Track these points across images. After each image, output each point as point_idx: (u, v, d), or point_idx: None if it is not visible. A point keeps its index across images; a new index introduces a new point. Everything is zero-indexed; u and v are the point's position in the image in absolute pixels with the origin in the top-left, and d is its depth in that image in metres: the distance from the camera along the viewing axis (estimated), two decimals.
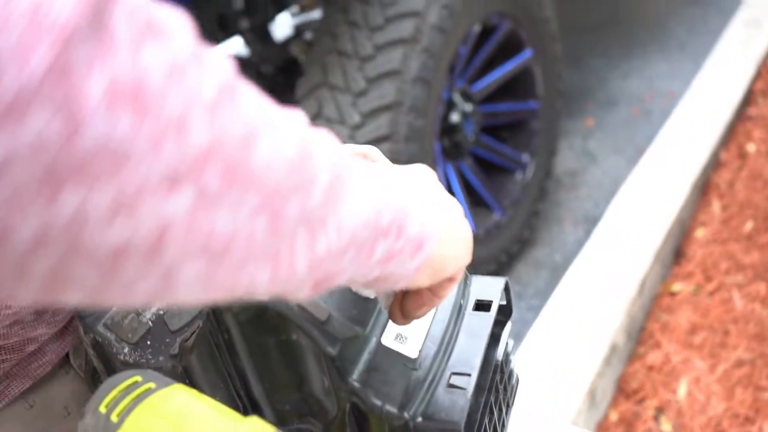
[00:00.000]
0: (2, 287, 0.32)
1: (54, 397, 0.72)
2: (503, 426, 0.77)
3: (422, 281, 0.53)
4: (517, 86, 2.28)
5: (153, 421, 0.50)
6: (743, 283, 2.02)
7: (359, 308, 0.63)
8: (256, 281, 0.39)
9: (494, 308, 0.68)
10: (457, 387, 0.62)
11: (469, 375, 0.62)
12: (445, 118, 2.06)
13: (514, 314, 2.11)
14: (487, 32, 2.12)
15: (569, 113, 2.97)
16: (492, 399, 0.72)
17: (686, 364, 1.83)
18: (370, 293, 0.64)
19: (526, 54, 2.22)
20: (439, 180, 0.57)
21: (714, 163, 2.42)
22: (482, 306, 0.68)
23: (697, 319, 1.95)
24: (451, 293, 0.61)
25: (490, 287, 0.70)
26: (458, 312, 0.68)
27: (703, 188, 2.36)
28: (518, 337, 1.85)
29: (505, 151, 2.31)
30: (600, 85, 3.16)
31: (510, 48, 2.20)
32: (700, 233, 2.23)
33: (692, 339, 1.93)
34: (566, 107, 2.93)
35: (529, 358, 1.67)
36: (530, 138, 2.35)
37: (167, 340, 0.65)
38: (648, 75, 3.16)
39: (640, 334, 1.97)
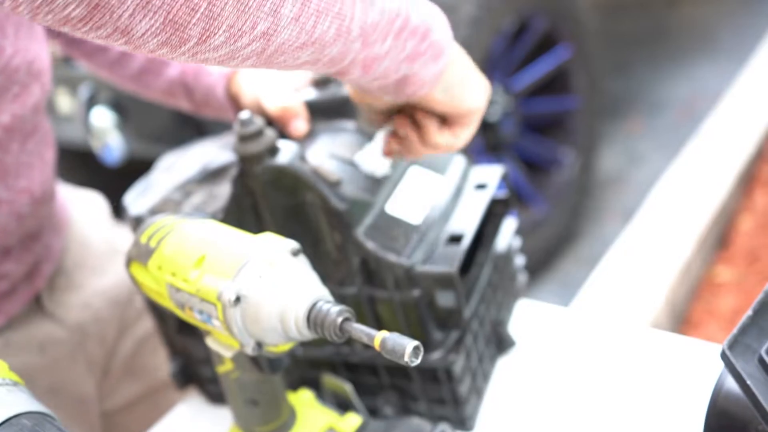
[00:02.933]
0: (177, 26, 0.44)
1: (30, 335, 0.82)
2: (508, 313, 0.85)
3: (440, 96, 0.62)
4: (557, 83, 2.36)
5: (183, 242, 0.60)
6: None
7: (367, 181, 0.72)
8: (327, 35, 0.51)
9: (491, 187, 0.76)
10: (454, 243, 0.70)
11: (463, 235, 0.71)
12: (485, 114, 2.15)
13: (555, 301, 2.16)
14: (523, 29, 2.22)
15: (615, 117, 3.02)
16: (494, 282, 0.80)
17: None
18: (379, 171, 0.74)
19: (565, 51, 2.30)
20: None
21: (758, 156, 2.45)
22: (480, 187, 0.77)
23: (742, 304, 1.97)
24: (468, 137, 0.68)
25: (488, 173, 0.79)
26: (459, 192, 0.77)
27: (748, 180, 2.39)
28: None
29: (546, 148, 2.38)
30: (646, 91, 3.21)
31: (548, 45, 2.28)
32: (744, 223, 2.25)
33: (735, 322, 1.94)
34: (612, 111, 2.99)
35: (561, 336, 1.74)
36: (572, 135, 2.41)
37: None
38: (695, 80, 3.20)
39: (683, 318, 2.00)
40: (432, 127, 0.66)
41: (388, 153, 0.71)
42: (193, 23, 0.45)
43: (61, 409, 0.82)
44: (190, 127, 1.86)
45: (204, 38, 0.46)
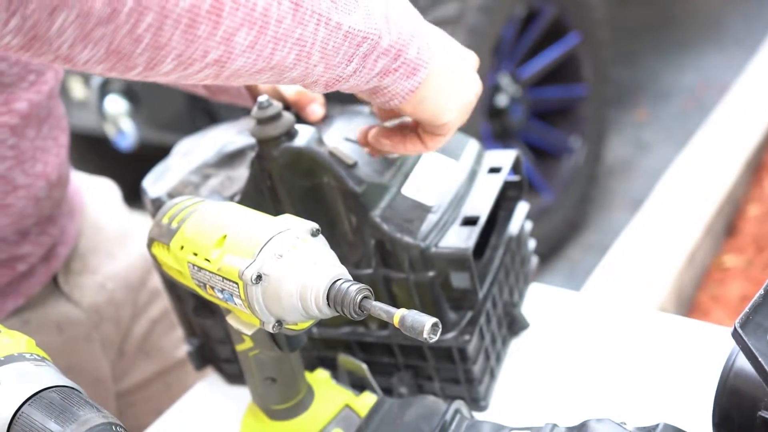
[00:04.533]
0: (121, 56, 0.44)
1: (47, 316, 0.84)
2: (520, 296, 0.86)
3: (412, 108, 0.61)
4: (565, 71, 2.36)
5: (204, 222, 0.61)
6: None
7: (383, 165, 0.73)
8: (286, 61, 0.50)
9: (504, 171, 0.77)
10: (468, 225, 0.71)
11: (478, 217, 0.71)
12: (492, 100, 2.16)
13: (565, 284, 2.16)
14: (532, 17, 2.22)
15: (623, 105, 3.02)
16: (506, 264, 0.81)
17: None
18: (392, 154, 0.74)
19: (573, 39, 2.30)
20: None
21: (765, 144, 2.45)
22: (494, 171, 0.78)
23: (749, 291, 1.98)
24: (438, 146, 0.67)
25: (502, 157, 0.79)
26: (473, 175, 0.78)
27: (756, 168, 2.39)
28: None
29: (554, 136, 2.38)
30: (653, 79, 3.21)
31: (556, 33, 2.28)
32: (752, 210, 2.26)
33: (742, 308, 1.95)
34: (619, 100, 2.99)
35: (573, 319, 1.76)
36: (579, 123, 2.42)
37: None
38: (702, 68, 3.19)
39: (690, 304, 2.00)
40: (399, 140, 0.66)
41: (362, 143, 0.71)
42: (138, 53, 0.45)
43: None
44: (201, 114, 1.88)
45: (151, 66, 0.46)
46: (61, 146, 0.82)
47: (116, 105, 1.90)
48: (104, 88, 1.88)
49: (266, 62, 0.50)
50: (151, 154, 1.56)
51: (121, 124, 1.90)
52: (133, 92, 1.91)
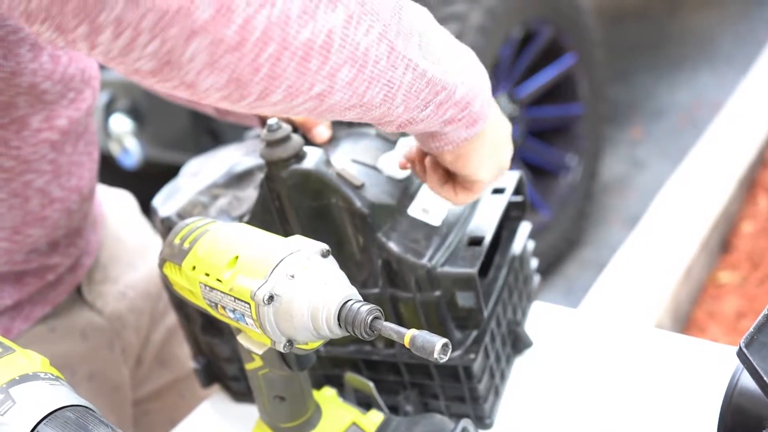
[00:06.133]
0: (240, 84, 0.47)
1: (73, 323, 0.85)
2: (523, 314, 0.86)
3: (454, 159, 0.64)
4: (561, 91, 2.37)
5: (216, 243, 0.62)
6: None
7: (390, 187, 0.74)
8: (375, 100, 0.53)
9: (508, 192, 0.78)
10: (473, 245, 0.71)
11: (484, 237, 0.72)
12: None
13: (561, 300, 2.17)
14: (529, 38, 2.23)
15: (617, 124, 3.04)
16: (510, 284, 0.81)
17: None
18: (399, 175, 0.75)
19: (570, 59, 2.32)
20: None
21: (760, 162, 2.46)
22: (498, 191, 0.78)
23: (744, 307, 1.98)
24: (467, 201, 0.69)
25: (505, 178, 0.80)
26: None
27: (750, 185, 2.40)
28: None
29: (551, 154, 2.40)
30: (647, 98, 3.23)
31: (553, 53, 2.30)
32: (747, 227, 2.26)
33: (739, 325, 1.96)
34: (614, 118, 3.00)
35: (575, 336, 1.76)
36: (576, 141, 2.43)
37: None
38: (695, 87, 3.22)
39: (686, 320, 2.01)
40: (435, 178, 0.68)
41: (402, 167, 0.73)
42: (256, 82, 0.47)
43: (98, 396, 0.85)
44: (205, 133, 1.88)
45: (263, 95, 0.48)
46: (94, 161, 0.84)
47: (121, 124, 1.90)
48: (109, 107, 1.89)
49: (359, 99, 0.52)
50: (155, 173, 1.57)
51: (126, 143, 1.90)
52: (137, 111, 1.92)
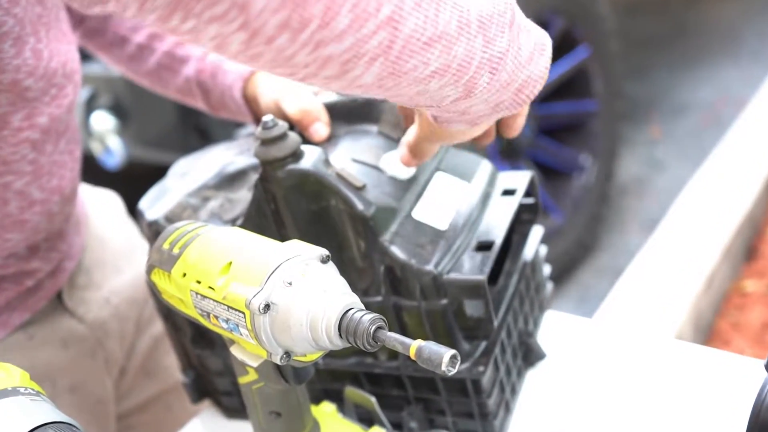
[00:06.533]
0: (295, 7, 0.45)
1: (52, 331, 0.86)
2: (536, 324, 0.86)
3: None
4: (574, 86, 2.37)
5: (209, 248, 0.62)
6: None
7: (393, 187, 0.74)
8: (450, 27, 0.52)
9: (519, 193, 0.78)
10: (482, 251, 0.72)
11: (493, 242, 0.72)
12: None
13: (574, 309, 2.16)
14: None
15: (634, 122, 3.04)
16: (521, 291, 0.81)
17: None
18: (403, 175, 0.75)
19: (583, 52, 2.32)
20: None
21: None
22: (508, 193, 0.78)
23: None
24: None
25: (516, 179, 0.80)
26: (486, 198, 0.78)
27: None
28: None
29: (563, 153, 2.40)
30: (666, 94, 3.23)
31: (566, 46, 2.30)
32: None
33: (765, 337, 1.96)
34: (631, 116, 3.01)
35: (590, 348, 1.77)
36: (590, 140, 2.43)
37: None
38: (718, 83, 3.22)
39: (709, 331, 2.01)
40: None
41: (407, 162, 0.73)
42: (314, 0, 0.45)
43: (81, 409, 0.85)
44: (192, 131, 1.89)
45: (327, 20, 0.47)
46: (76, 160, 0.85)
47: (103, 121, 1.90)
48: (90, 104, 1.89)
49: (434, 27, 0.50)
50: (139, 174, 1.57)
51: (108, 142, 1.90)
52: (120, 108, 1.92)
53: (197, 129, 1.87)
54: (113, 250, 0.95)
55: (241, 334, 0.58)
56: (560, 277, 2.36)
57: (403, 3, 0.49)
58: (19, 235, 0.77)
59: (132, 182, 1.07)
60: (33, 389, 0.56)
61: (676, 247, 2.11)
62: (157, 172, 0.97)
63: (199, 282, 0.60)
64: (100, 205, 0.99)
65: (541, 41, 0.60)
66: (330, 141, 0.80)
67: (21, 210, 0.76)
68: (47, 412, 0.54)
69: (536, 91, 0.60)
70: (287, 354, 0.57)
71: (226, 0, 0.45)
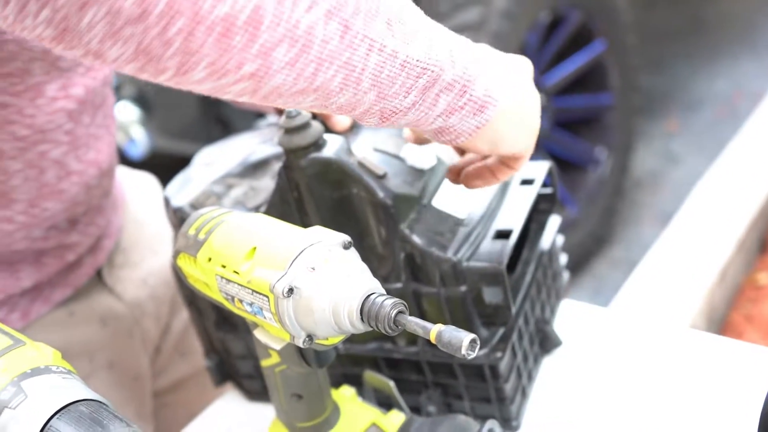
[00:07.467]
0: (150, 57, 0.47)
1: (92, 308, 0.87)
2: (552, 312, 0.87)
3: (481, 144, 0.62)
4: (591, 79, 2.37)
5: (233, 234, 0.63)
6: None
7: (413, 176, 0.74)
8: (332, 84, 0.51)
9: (537, 183, 0.78)
10: (501, 239, 0.72)
11: (511, 231, 0.73)
12: None
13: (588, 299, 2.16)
14: (557, 23, 2.23)
15: (651, 115, 3.03)
16: (538, 280, 0.82)
17: None
18: (424, 164, 0.76)
19: (600, 45, 2.31)
20: None
21: None
22: (527, 182, 0.79)
23: None
24: (509, 176, 0.69)
25: (534, 168, 0.81)
26: (504, 187, 0.79)
27: None
28: None
29: (579, 146, 2.39)
30: (683, 87, 3.21)
31: (582, 39, 2.30)
32: None
33: None
34: (647, 109, 2.99)
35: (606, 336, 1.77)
36: (606, 133, 2.42)
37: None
38: (735, 76, 3.20)
39: (722, 323, 2.00)
40: (473, 175, 0.69)
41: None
42: (168, 56, 0.46)
43: (118, 385, 0.87)
44: (214, 121, 1.90)
45: (183, 71, 0.48)
46: (112, 135, 0.86)
47: (127, 112, 1.92)
48: (115, 95, 1.91)
49: (308, 83, 0.50)
50: (162, 164, 1.58)
51: (132, 132, 1.92)
52: (144, 99, 1.94)
53: (219, 120, 1.89)
54: (150, 232, 0.97)
55: (264, 318, 0.59)
56: (575, 268, 2.36)
57: (270, 62, 0.48)
58: (58, 205, 0.79)
59: (155, 172, 1.08)
60: (65, 368, 0.57)
61: (690, 240, 2.10)
62: (180, 163, 0.98)
63: (224, 266, 0.61)
64: (137, 188, 1.01)
65: (480, 104, 0.58)
66: (352, 131, 0.80)
67: (59, 179, 0.77)
68: (79, 389, 0.55)
69: (459, 140, 0.60)
70: (310, 337, 0.58)
71: (80, 47, 0.46)
